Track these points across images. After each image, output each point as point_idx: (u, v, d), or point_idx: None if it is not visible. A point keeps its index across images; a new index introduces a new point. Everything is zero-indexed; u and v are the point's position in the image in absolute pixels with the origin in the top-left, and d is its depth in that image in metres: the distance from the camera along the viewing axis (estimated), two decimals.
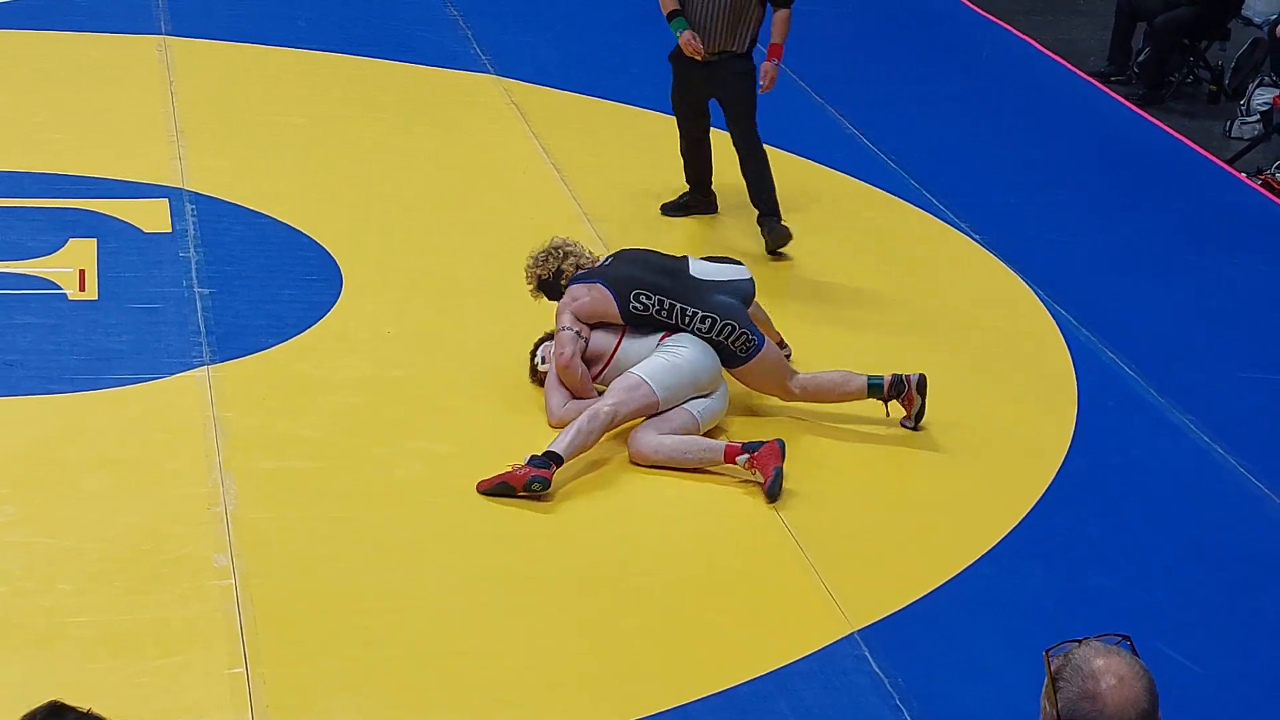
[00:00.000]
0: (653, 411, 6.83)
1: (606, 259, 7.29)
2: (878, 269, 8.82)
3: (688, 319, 7.00)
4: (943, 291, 8.66)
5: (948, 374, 7.71)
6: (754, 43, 8.78)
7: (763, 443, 6.60)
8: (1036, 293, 8.59)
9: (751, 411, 7.25)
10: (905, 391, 7.10)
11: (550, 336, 7.18)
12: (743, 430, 7.02)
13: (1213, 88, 12.46)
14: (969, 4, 13.72)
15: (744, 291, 7.17)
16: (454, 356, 7.50)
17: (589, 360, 7.08)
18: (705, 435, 6.89)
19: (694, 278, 7.10)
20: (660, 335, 7.03)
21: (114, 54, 10.90)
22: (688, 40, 8.66)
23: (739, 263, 7.35)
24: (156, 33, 11.24)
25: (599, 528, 6.43)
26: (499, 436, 6.89)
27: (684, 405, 6.91)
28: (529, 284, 7.32)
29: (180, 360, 7.29)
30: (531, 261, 7.29)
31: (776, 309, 7.89)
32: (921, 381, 7.11)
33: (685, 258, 7.25)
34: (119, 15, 11.50)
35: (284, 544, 6.12)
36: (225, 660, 5.46)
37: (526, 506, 6.44)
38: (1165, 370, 7.89)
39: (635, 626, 5.86)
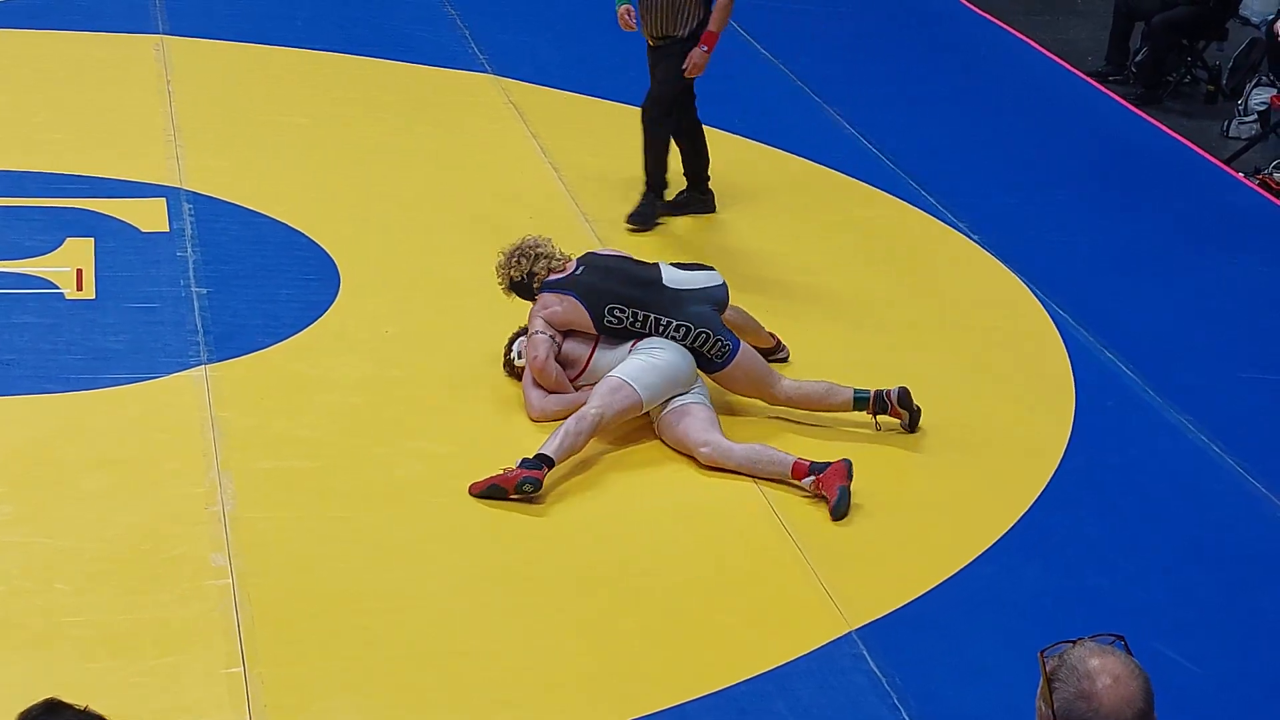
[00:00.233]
0: (637, 412, 6.85)
1: (577, 265, 7.26)
2: (876, 269, 8.82)
3: (662, 328, 7.05)
4: (941, 291, 8.66)
5: (946, 374, 7.71)
6: (703, 29, 8.72)
7: (829, 464, 6.58)
8: (1034, 292, 8.59)
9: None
10: (889, 407, 7.10)
11: (524, 331, 7.20)
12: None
13: (1210, 88, 12.46)
14: (967, 4, 13.72)
15: (717, 298, 7.19)
16: (452, 356, 7.50)
17: (564, 365, 7.10)
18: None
19: (667, 287, 7.11)
20: (633, 341, 7.07)
21: (111, 53, 10.89)
22: (621, 14, 8.76)
23: (711, 268, 7.36)
24: (154, 32, 11.24)
25: (597, 528, 6.43)
26: (497, 437, 6.89)
27: (700, 401, 6.93)
28: (500, 284, 7.32)
29: (178, 360, 7.29)
30: (503, 261, 7.29)
31: (775, 309, 7.90)
32: (902, 395, 7.10)
33: (657, 265, 7.26)
34: (115, 14, 11.50)
35: (282, 544, 6.12)
36: (223, 660, 5.46)
37: (524, 508, 6.44)
38: (1163, 370, 7.89)
39: (634, 626, 5.86)
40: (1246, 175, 10.71)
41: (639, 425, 7.01)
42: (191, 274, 8.07)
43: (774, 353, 7.63)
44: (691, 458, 6.82)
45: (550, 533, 6.36)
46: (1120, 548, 6.54)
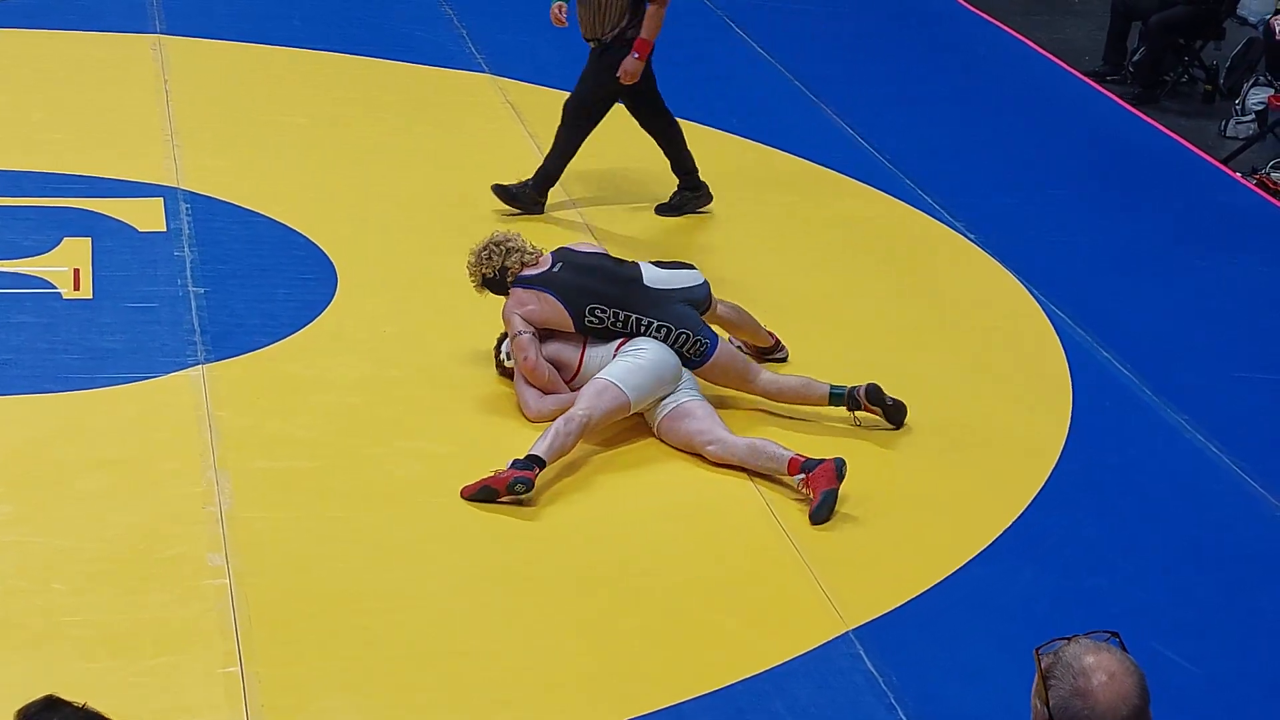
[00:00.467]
0: (626, 413, 6.85)
1: (553, 261, 7.20)
2: (874, 269, 8.82)
3: (644, 328, 7.04)
4: (939, 291, 8.66)
5: (944, 374, 7.71)
6: (630, 34, 8.72)
7: (819, 462, 6.56)
8: (1032, 292, 8.59)
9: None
10: (860, 404, 7.11)
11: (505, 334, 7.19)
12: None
13: (1208, 87, 12.46)
14: (965, 4, 13.72)
15: (697, 298, 7.20)
16: (450, 356, 7.49)
17: (557, 369, 7.10)
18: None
19: (649, 287, 7.11)
20: (619, 342, 7.06)
21: (108, 53, 10.89)
22: (553, 11, 8.93)
23: (692, 267, 7.35)
24: (151, 31, 11.23)
25: (595, 529, 6.42)
26: (496, 436, 6.88)
27: (695, 397, 6.94)
28: (473, 281, 7.28)
29: (175, 359, 7.29)
30: (474, 260, 7.25)
31: (774, 308, 7.90)
32: (870, 391, 7.10)
33: (637, 265, 7.24)
34: (112, 14, 11.49)
35: (279, 543, 6.12)
36: (220, 659, 5.45)
37: (522, 509, 6.43)
38: (1161, 370, 7.89)
39: (632, 626, 5.86)
40: (1243, 175, 10.71)
41: (635, 425, 7.01)
42: (189, 274, 8.06)
43: (773, 352, 7.62)
44: (699, 456, 6.82)
45: (548, 533, 6.35)
46: (1118, 548, 6.54)
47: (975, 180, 10.10)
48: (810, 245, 9.00)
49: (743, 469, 6.75)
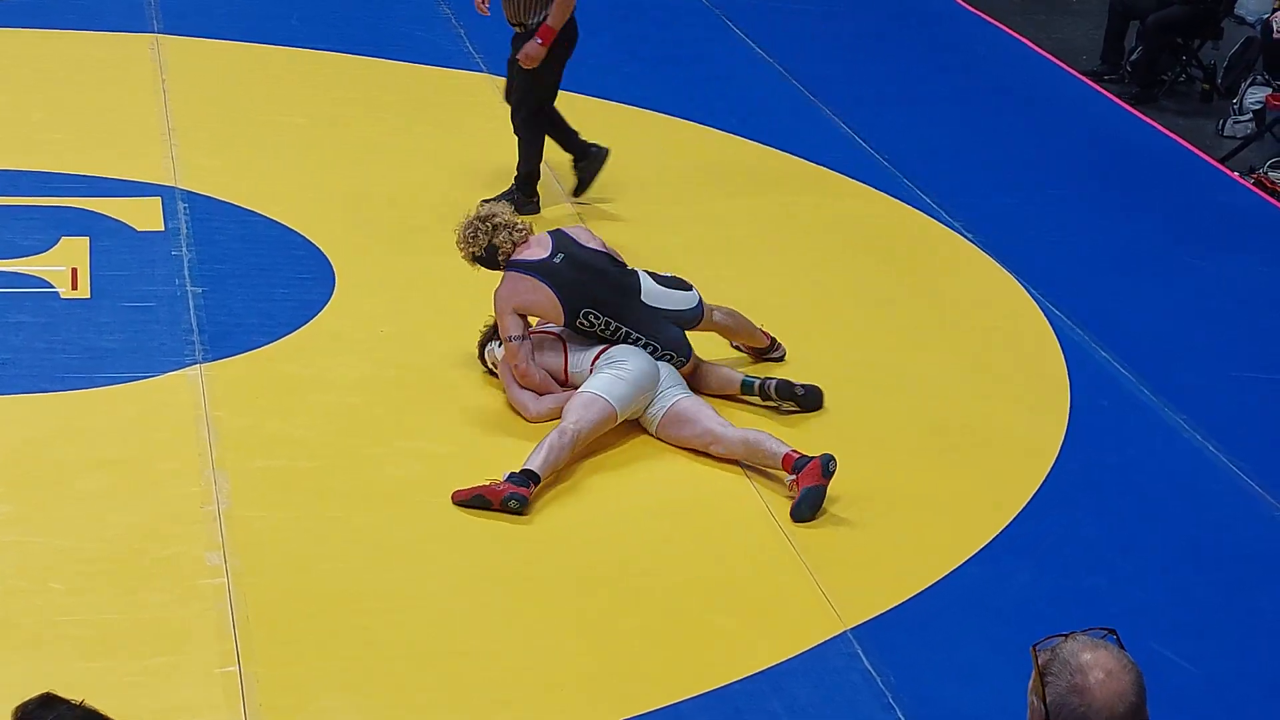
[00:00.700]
0: (613, 424, 6.84)
1: (554, 249, 7.08)
2: (873, 269, 8.82)
3: (631, 340, 7.05)
4: (937, 291, 8.65)
5: (942, 374, 7.71)
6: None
7: (809, 460, 6.54)
8: (1030, 292, 8.59)
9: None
10: (768, 396, 7.14)
11: (494, 328, 7.15)
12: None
13: (1205, 86, 12.47)
14: (963, 4, 13.72)
15: (688, 320, 7.22)
16: (449, 356, 7.49)
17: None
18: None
19: (645, 304, 7.10)
20: (599, 349, 7.05)
21: (106, 53, 10.89)
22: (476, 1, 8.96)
23: (689, 288, 7.29)
24: (149, 31, 11.23)
25: (593, 529, 6.42)
26: (495, 436, 6.89)
27: (686, 394, 6.94)
28: (463, 257, 7.21)
29: (173, 359, 7.28)
30: (461, 238, 7.17)
31: (771, 308, 7.90)
32: (780, 386, 7.13)
33: (636, 274, 7.19)
34: (110, 14, 11.49)
35: (278, 543, 6.11)
36: (218, 659, 5.45)
37: None
38: (1160, 369, 7.89)
39: (631, 626, 5.86)
40: (1241, 174, 10.71)
41: (633, 426, 7.01)
42: (187, 273, 8.06)
43: (769, 352, 7.62)
44: (703, 454, 6.82)
45: (547, 533, 6.35)
46: (1117, 547, 6.54)
47: (974, 180, 10.10)
48: (809, 245, 9.00)
49: (736, 466, 6.75)
